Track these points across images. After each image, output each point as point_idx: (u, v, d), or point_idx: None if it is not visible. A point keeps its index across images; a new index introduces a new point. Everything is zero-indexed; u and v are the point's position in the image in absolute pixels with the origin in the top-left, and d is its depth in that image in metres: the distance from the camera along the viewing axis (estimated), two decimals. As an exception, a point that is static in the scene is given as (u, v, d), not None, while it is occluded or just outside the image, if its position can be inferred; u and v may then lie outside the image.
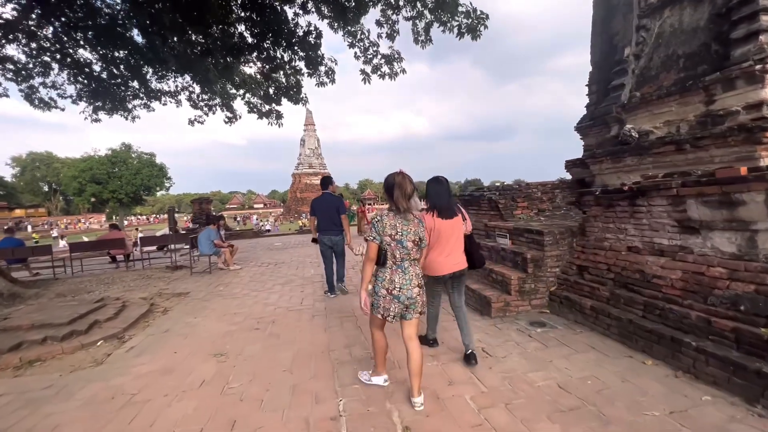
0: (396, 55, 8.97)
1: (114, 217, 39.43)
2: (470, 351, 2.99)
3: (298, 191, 47.95)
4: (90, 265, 9.49)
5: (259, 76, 10.61)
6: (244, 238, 16.82)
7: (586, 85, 7.49)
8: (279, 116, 10.75)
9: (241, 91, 12.35)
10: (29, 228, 54.42)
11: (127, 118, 12.41)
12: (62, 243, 22.11)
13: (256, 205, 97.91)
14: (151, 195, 41.31)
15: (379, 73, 9.08)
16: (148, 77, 10.60)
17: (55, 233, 35.63)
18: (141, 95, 11.26)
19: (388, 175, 2.43)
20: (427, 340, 3.35)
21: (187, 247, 8.42)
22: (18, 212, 74.09)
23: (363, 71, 8.97)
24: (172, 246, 8.69)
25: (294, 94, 10.37)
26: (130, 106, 11.80)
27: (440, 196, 2.98)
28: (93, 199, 37.29)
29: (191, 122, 13.16)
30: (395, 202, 2.34)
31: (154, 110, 12.59)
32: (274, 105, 10.57)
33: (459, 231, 3.01)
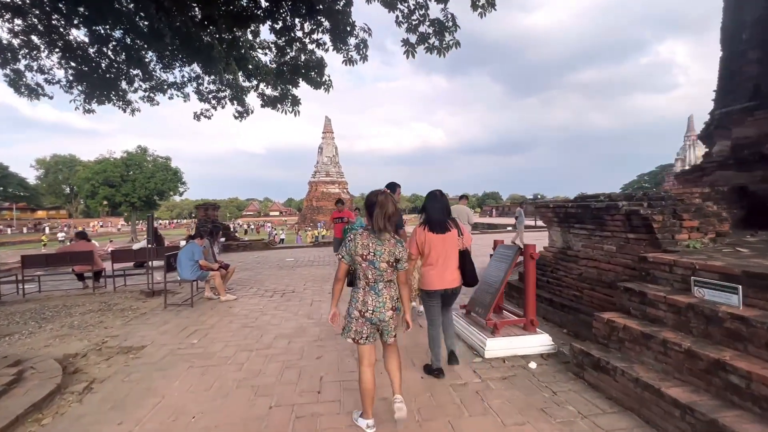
0: (449, 22, 6.81)
1: (127, 221, 38.41)
2: (451, 349, 3.14)
3: (315, 200, 46.55)
4: (56, 282, 7.54)
5: (272, 55, 8.63)
6: (252, 250, 14.79)
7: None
8: (296, 102, 8.73)
9: (254, 82, 10.69)
10: (47, 230, 54.56)
11: (125, 111, 10.94)
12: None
13: (272, 213, 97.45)
14: (165, 200, 40.11)
15: (426, 45, 6.92)
16: (151, 65, 9.14)
17: (61, 236, 34.70)
18: (142, 84, 9.69)
19: (370, 193, 2.36)
20: (431, 370, 3.09)
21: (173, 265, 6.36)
22: (40, 213, 75.36)
23: (406, 41, 6.82)
24: (154, 263, 6.64)
25: (315, 75, 8.32)
26: (129, 96, 10.37)
27: (434, 211, 2.99)
28: (105, 203, 36.25)
29: (197, 116, 11.50)
30: (374, 221, 2.24)
31: (158, 104, 10.96)
32: (290, 87, 8.56)
33: (452, 246, 2.96)
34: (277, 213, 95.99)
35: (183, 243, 14.98)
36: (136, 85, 9.44)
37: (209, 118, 11.64)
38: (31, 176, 63.69)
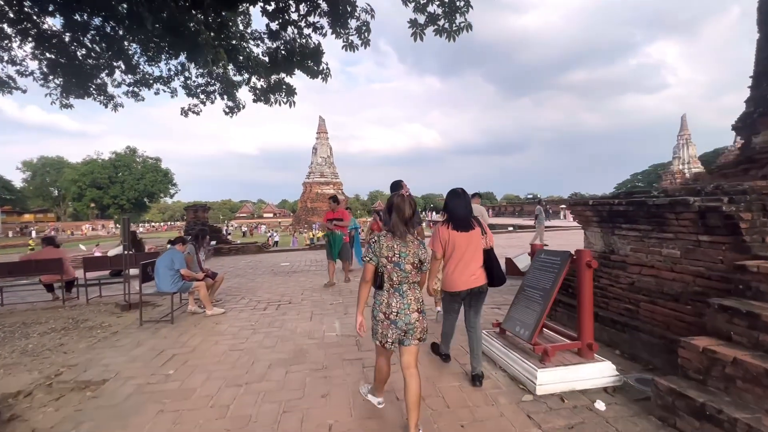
0: (461, 1, 6.13)
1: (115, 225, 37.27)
2: (476, 372, 2.89)
3: (309, 201, 45.72)
4: (25, 292, 6.72)
5: (264, 47, 7.96)
6: (244, 253, 13.99)
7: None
8: (290, 92, 8.01)
9: (246, 75, 9.95)
10: (33, 233, 52.90)
11: (107, 106, 10.18)
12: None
13: (265, 215, 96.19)
14: (155, 201, 39.07)
15: (436, 26, 6.24)
16: (135, 58, 8.49)
17: (47, 240, 33.27)
18: (125, 78, 8.76)
19: (390, 196, 2.34)
20: (438, 352, 3.28)
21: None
22: (27, 217, 73.41)
23: (413, 22, 6.14)
24: (131, 272, 5.88)
25: (312, 63, 7.60)
26: (111, 90, 9.58)
27: (457, 209, 2.89)
28: (92, 205, 35.16)
29: (185, 112, 10.73)
30: (393, 226, 2.20)
31: (143, 99, 10.19)
32: (283, 75, 7.83)
33: (476, 245, 2.87)
34: (271, 215, 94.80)
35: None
36: (118, 78, 8.77)
37: (197, 113, 10.94)
38: (17, 179, 61.97)
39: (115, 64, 9.32)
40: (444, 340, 3.23)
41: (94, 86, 9.03)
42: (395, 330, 2.15)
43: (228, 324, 4.67)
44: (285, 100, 8.72)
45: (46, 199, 71.57)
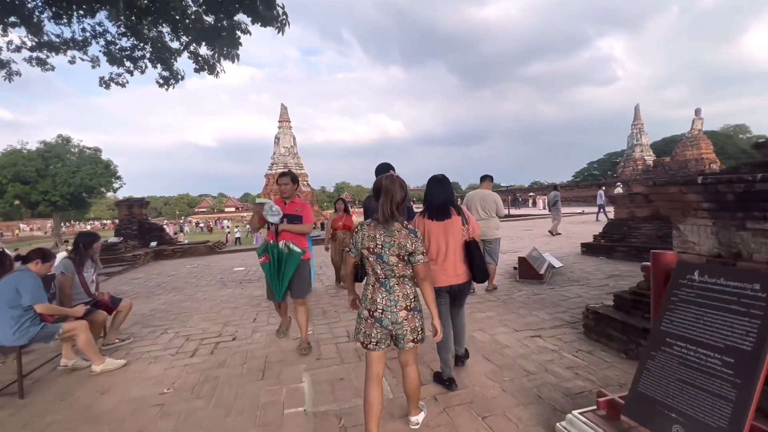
0: None
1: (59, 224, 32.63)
2: (458, 354, 2.88)
3: (273, 193, 43.05)
4: None
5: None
6: (192, 255, 11.78)
7: None
8: (234, 43, 6.15)
9: (184, 39, 8.06)
10: (-49, 237, 46.25)
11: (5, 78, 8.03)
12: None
13: (227, 209, 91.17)
14: (95, 197, 34.81)
15: None
16: (35, 13, 6.57)
17: (-34, 243, 28.68)
18: (24, 40, 7.07)
19: (377, 178, 2.10)
20: (441, 379, 2.68)
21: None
22: (-52, 218, 64.65)
23: None
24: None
25: (262, 6, 5.70)
26: (4, 55, 7.43)
27: (433, 197, 2.67)
28: (17, 202, 30.58)
29: (105, 83, 8.68)
30: (380, 210, 1.95)
31: (52, 69, 8.16)
32: (224, 19, 5.94)
33: (454, 236, 2.60)
34: (234, 209, 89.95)
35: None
36: (16, 40, 7.19)
37: (122, 85, 8.92)
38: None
39: (6, 20, 7.17)
40: (442, 354, 2.65)
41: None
42: (380, 329, 1.93)
43: (123, 392, 2.82)
44: (228, 52, 6.83)
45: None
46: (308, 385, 2.79)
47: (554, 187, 13.68)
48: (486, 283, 5.30)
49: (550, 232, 11.84)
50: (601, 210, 15.19)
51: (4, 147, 31.68)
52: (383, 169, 3.21)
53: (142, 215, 12.61)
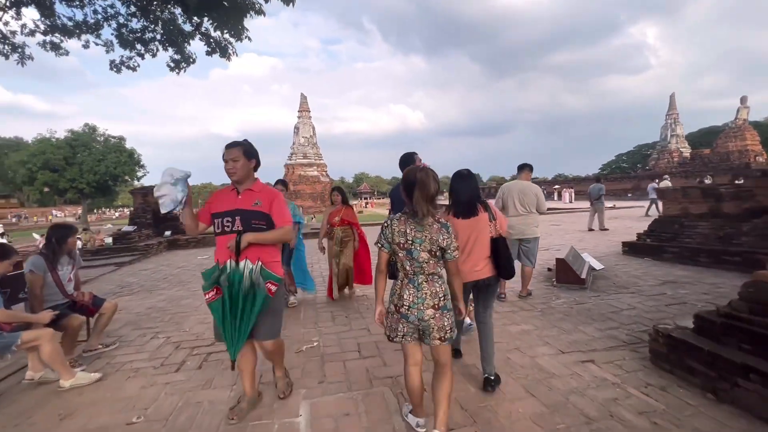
0: None
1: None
2: (487, 375, 2.55)
3: (292, 183, 43.10)
4: None
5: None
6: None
7: None
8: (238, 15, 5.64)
9: (195, 20, 7.73)
10: (-10, 221, 48.54)
11: (8, 57, 7.97)
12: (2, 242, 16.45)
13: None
14: (120, 185, 35.54)
15: None
16: None
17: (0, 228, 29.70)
18: (38, 23, 6.91)
19: (408, 169, 1.98)
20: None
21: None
22: (-10, 203, 68.07)
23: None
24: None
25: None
26: (16, 39, 7.16)
27: (459, 193, 2.59)
28: (46, 189, 31.52)
29: (116, 66, 8.37)
30: (414, 205, 1.86)
31: (66, 53, 7.96)
32: None
33: (480, 233, 2.53)
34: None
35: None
36: (29, 23, 6.95)
37: (134, 69, 8.61)
38: (-30, 161, 56.84)
39: (14, -1, 6.97)
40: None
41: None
42: (406, 324, 1.91)
43: (87, 417, 2.35)
44: (236, 31, 6.47)
45: (6, 183, 66.30)
46: (305, 420, 2.24)
47: (597, 179, 12.64)
48: (519, 288, 4.64)
49: (590, 228, 10.98)
50: (654, 204, 14.15)
51: (33, 136, 32.62)
52: (408, 158, 3.09)
53: (157, 203, 12.42)
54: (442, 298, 1.90)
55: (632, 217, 14.19)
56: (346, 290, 5.00)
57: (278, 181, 4.60)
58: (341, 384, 2.66)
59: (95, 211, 67.11)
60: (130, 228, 10.68)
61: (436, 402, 1.96)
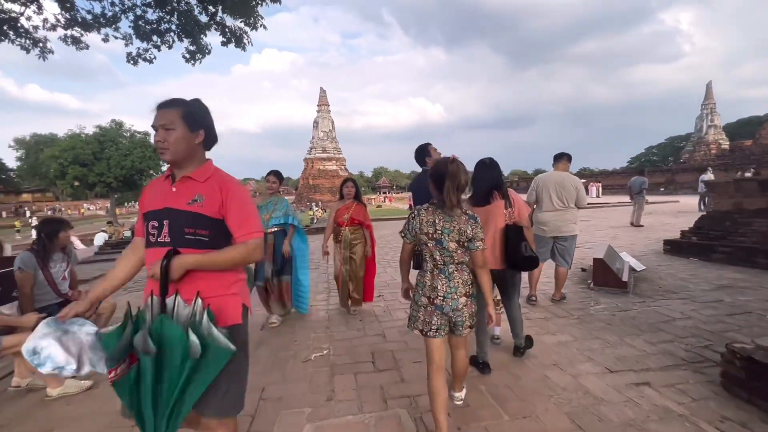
0: None
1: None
2: (518, 343, 2.79)
3: (311, 177, 43.26)
4: None
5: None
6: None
7: None
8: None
9: (211, 9, 7.67)
10: (27, 213, 50.96)
11: (29, 51, 8.03)
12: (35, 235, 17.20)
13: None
14: (145, 179, 36.46)
15: None
16: None
17: (34, 221, 31.03)
18: (58, 17, 7.04)
19: (436, 161, 2.00)
20: (476, 362, 2.65)
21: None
22: (25, 197, 71.62)
23: None
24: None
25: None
26: (35, 32, 7.20)
27: (479, 181, 2.58)
28: (77, 183, 32.63)
29: (132, 59, 8.36)
30: (446, 195, 1.84)
31: (87, 47, 7.97)
32: None
33: (494, 221, 2.53)
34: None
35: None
36: (50, 18, 7.08)
37: (150, 61, 8.54)
38: (10, 157, 59.81)
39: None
40: (479, 336, 2.64)
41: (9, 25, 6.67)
42: (441, 316, 1.88)
43: (74, 430, 2.11)
44: (247, 21, 6.39)
45: (42, 177, 69.52)
46: (308, 449, 1.92)
47: (639, 172, 11.74)
48: (551, 291, 4.19)
49: (631, 223, 10.25)
50: (704, 200, 13.21)
51: (64, 132, 33.79)
52: (422, 150, 3.04)
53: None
54: (471, 286, 1.93)
55: (667, 213, 13.28)
56: (350, 305, 4.12)
57: (271, 173, 3.81)
58: (351, 403, 2.32)
59: (125, 204, 69.45)
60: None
61: (454, 375, 2.12)
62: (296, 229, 3.88)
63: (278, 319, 3.83)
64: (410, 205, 3.54)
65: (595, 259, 4.65)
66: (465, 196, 2.40)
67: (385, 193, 59.44)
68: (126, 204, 70.43)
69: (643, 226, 9.97)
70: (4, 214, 56.54)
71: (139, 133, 35.11)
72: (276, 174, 3.82)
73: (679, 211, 13.41)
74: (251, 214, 1.45)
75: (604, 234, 9.08)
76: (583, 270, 5.35)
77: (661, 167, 41.52)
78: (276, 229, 3.74)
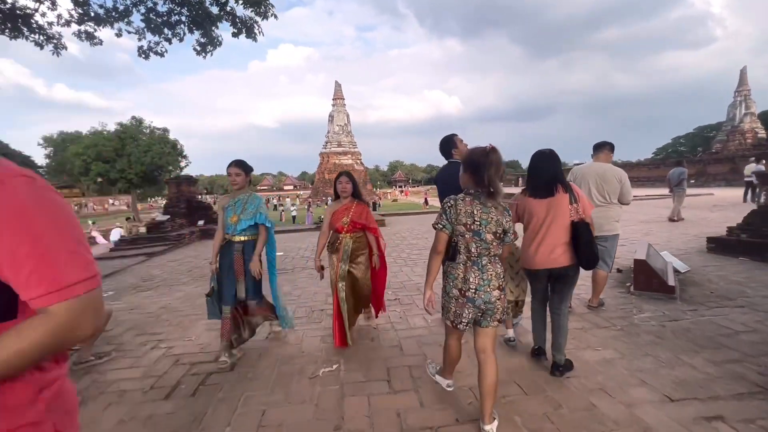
0: None
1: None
2: (556, 360, 2.48)
3: (326, 172, 43.27)
4: None
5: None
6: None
7: None
8: None
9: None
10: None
11: (42, 47, 8.04)
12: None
13: (285, 187, 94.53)
14: (164, 175, 37.13)
15: None
16: None
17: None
18: (72, 13, 7.06)
19: (472, 151, 1.92)
20: (533, 351, 2.71)
21: None
22: (54, 193, 74.40)
23: None
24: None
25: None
26: (49, 28, 7.20)
27: (539, 171, 2.42)
28: (100, 179, 33.47)
29: (143, 52, 8.27)
30: (490, 184, 1.82)
31: (100, 43, 7.93)
32: None
33: (559, 216, 2.35)
34: (291, 187, 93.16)
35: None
36: (64, 14, 7.10)
37: (161, 54, 8.47)
38: (39, 155, 62.15)
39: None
40: (536, 326, 2.69)
41: (23, 21, 6.69)
42: (472, 309, 1.88)
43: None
44: (258, 10, 6.28)
45: (69, 174, 71.95)
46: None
47: (677, 162, 10.94)
48: (588, 296, 3.76)
49: (670, 218, 9.53)
50: (751, 190, 12.23)
51: (87, 129, 34.67)
52: (449, 140, 2.83)
53: (190, 194, 12.40)
54: (502, 279, 1.92)
55: (701, 206, 12.41)
56: (362, 317, 3.50)
57: (232, 163, 2.91)
58: (363, 434, 1.99)
59: (148, 200, 71.30)
60: (164, 217, 10.67)
61: (483, 394, 1.88)
62: (269, 230, 3.03)
63: (233, 357, 2.85)
64: (426, 199, 3.12)
65: (636, 260, 4.16)
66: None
67: (401, 186, 58.90)
68: (149, 200, 72.32)
69: (684, 219, 9.27)
70: (34, 209, 58.74)
71: (158, 129, 35.71)
72: (239, 164, 2.89)
73: (714, 205, 12.54)
74: (60, 243, 0.68)
75: (635, 230, 8.47)
76: (619, 271, 4.87)
77: (690, 158, 39.59)
78: (246, 238, 2.90)
